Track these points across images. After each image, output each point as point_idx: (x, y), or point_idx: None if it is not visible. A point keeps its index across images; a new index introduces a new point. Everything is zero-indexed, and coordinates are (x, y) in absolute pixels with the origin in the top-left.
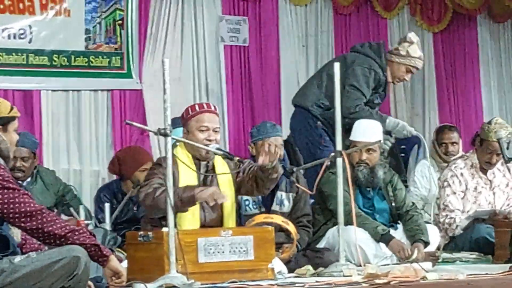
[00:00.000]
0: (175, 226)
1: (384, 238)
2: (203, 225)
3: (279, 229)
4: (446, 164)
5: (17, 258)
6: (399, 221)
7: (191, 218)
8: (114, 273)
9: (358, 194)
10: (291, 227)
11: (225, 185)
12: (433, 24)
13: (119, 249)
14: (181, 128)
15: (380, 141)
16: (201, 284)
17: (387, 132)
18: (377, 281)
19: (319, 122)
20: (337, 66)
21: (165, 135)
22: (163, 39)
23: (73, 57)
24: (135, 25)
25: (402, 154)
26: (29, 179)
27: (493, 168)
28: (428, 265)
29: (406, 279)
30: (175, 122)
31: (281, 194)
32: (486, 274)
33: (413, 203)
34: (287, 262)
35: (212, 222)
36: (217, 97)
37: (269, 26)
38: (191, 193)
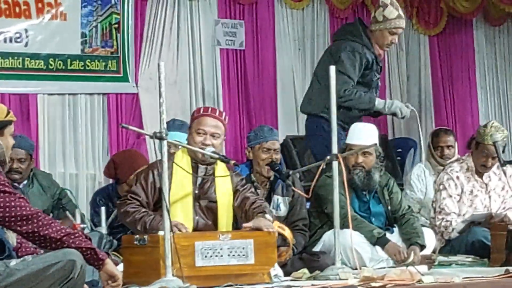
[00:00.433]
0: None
1: (380, 241)
2: (195, 229)
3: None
4: (442, 168)
5: (13, 262)
6: (395, 225)
7: (184, 222)
8: (110, 276)
9: (354, 197)
10: (287, 233)
11: (222, 191)
12: (429, 27)
13: (115, 253)
14: (178, 133)
15: (376, 144)
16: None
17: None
18: (373, 284)
19: None
20: (332, 69)
21: (161, 138)
22: (159, 43)
23: (69, 60)
24: (131, 28)
25: (398, 158)
26: (25, 182)
27: (489, 171)
28: (424, 268)
29: (402, 283)
30: (169, 125)
31: (277, 198)
32: (482, 277)
33: (409, 206)
34: (283, 266)
35: (206, 227)
36: (213, 100)
37: (265, 29)
38: (158, 224)
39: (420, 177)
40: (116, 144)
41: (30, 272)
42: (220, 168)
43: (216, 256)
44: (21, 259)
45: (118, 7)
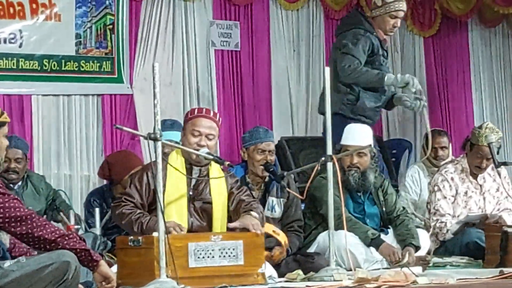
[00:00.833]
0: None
1: (375, 242)
2: (190, 231)
3: (270, 234)
4: (436, 169)
5: (7, 263)
6: (389, 226)
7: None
8: (104, 278)
9: (348, 198)
10: (281, 237)
11: (216, 192)
12: (424, 29)
13: (109, 254)
14: (171, 132)
15: (370, 145)
16: None
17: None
18: (367, 285)
19: (352, 121)
20: (327, 70)
21: (155, 139)
22: (153, 44)
23: (63, 61)
24: (126, 29)
25: (393, 159)
26: (19, 183)
27: (484, 172)
28: (418, 269)
29: (396, 284)
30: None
31: (272, 200)
32: (477, 278)
33: (404, 208)
34: (277, 267)
35: (200, 228)
36: (208, 101)
37: (260, 31)
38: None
39: (414, 178)
40: (111, 145)
41: (24, 273)
42: (215, 169)
43: (208, 257)
44: (15, 260)
45: (112, 8)
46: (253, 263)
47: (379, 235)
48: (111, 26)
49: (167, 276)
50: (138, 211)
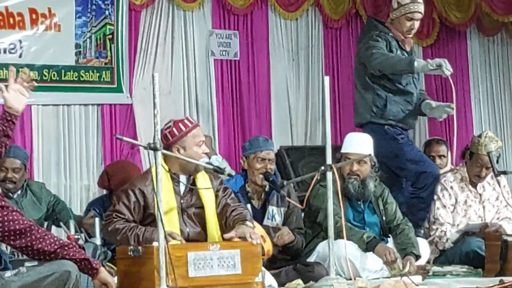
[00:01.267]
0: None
1: (370, 245)
2: (186, 240)
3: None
4: None
5: (8, 273)
6: (389, 235)
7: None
8: (103, 284)
9: (348, 207)
10: (266, 245)
11: (205, 195)
12: (422, 38)
13: (109, 264)
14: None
15: (370, 154)
16: None
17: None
18: None
19: (386, 127)
20: (326, 79)
21: (155, 149)
22: (153, 54)
23: (63, 71)
24: (125, 39)
25: None
26: (19, 192)
27: (483, 181)
28: (418, 278)
29: None
30: None
31: (272, 209)
32: (477, 287)
33: (404, 217)
34: (277, 276)
35: (197, 235)
36: (207, 111)
37: (259, 40)
38: (152, 234)
39: None
40: (110, 155)
41: (25, 283)
42: (199, 174)
43: (207, 266)
44: (16, 270)
45: (112, 18)
46: (251, 272)
47: (374, 237)
48: (110, 36)
49: (167, 286)
50: (132, 224)
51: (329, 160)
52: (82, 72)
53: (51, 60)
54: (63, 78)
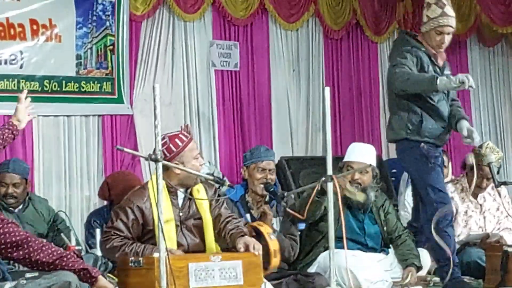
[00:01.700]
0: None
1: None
2: (186, 251)
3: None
4: None
5: (7, 285)
6: (390, 245)
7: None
8: None
9: (349, 216)
10: (276, 260)
11: (202, 205)
12: None
13: (110, 275)
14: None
15: (371, 165)
16: None
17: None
18: None
19: (422, 144)
20: (327, 90)
21: (156, 160)
22: (154, 64)
23: (64, 82)
24: (126, 50)
25: (393, 178)
26: (20, 207)
27: (484, 192)
28: None
29: None
30: None
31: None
32: None
33: (405, 227)
34: (278, 287)
35: (196, 245)
36: (208, 121)
37: (260, 51)
38: (151, 252)
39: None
40: (111, 166)
41: None
42: (196, 186)
43: (209, 277)
44: (15, 282)
45: (113, 29)
46: (253, 283)
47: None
48: (111, 47)
49: None
50: (130, 241)
51: (330, 171)
52: (83, 83)
53: (52, 71)
54: (63, 89)
